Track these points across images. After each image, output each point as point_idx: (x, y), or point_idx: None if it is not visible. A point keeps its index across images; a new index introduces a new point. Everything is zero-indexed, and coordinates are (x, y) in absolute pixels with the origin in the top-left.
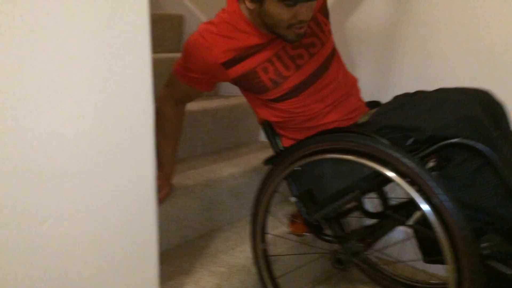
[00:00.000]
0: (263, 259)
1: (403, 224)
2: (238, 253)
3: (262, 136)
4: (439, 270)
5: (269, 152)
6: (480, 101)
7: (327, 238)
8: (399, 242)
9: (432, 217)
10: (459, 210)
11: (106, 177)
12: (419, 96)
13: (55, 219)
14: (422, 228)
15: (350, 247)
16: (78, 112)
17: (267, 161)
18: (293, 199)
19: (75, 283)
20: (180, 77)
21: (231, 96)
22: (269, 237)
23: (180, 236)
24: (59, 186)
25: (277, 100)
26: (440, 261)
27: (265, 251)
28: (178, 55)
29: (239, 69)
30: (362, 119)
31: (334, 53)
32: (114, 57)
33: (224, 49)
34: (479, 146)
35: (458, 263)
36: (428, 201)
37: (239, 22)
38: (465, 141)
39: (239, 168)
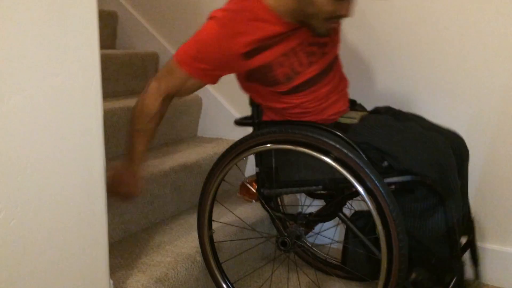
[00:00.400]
0: (209, 246)
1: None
2: (182, 243)
3: (200, 132)
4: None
5: (208, 147)
6: (454, 147)
7: (273, 213)
8: (332, 227)
9: (366, 197)
10: (391, 194)
11: (57, 171)
12: (404, 122)
13: (8, 211)
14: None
15: (294, 231)
16: (28, 106)
17: (239, 123)
18: (257, 169)
19: (28, 275)
20: (186, 67)
21: None
22: (215, 224)
23: (123, 229)
24: (12, 179)
25: (283, 93)
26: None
27: (211, 238)
28: (112, 51)
29: (258, 60)
30: (349, 120)
31: (337, 56)
32: (64, 52)
33: (248, 39)
34: (441, 190)
35: (389, 245)
36: (363, 184)
37: (260, 10)
38: (432, 183)
39: (180, 162)
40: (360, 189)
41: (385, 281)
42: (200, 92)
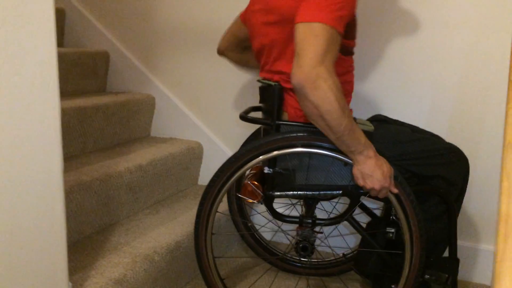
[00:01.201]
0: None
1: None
2: (139, 244)
3: (153, 132)
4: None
5: (162, 147)
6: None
7: (282, 217)
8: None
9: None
10: (417, 203)
11: (15, 171)
12: (428, 136)
13: None
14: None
15: (307, 235)
16: None
17: (247, 119)
18: (266, 169)
19: None
20: (341, 26)
21: (120, 93)
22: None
23: (78, 232)
24: None
25: (349, 52)
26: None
27: (213, 254)
28: (61, 50)
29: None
30: (367, 127)
31: None
32: (22, 51)
33: None
34: (450, 199)
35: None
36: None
37: None
38: (444, 192)
39: (135, 163)
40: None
41: (407, 275)
42: (152, 91)
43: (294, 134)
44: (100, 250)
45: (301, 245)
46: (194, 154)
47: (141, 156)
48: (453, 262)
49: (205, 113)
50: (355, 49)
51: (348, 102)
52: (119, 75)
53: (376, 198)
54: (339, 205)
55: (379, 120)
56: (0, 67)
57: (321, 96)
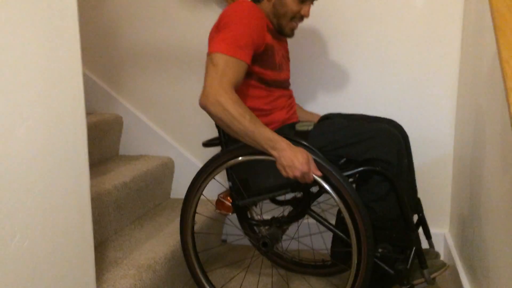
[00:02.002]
0: (194, 256)
1: (318, 220)
2: (137, 256)
3: (121, 150)
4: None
5: (138, 164)
6: (404, 136)
7: (249, 221)
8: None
9: (333, 194)
10: (351, 186)
11: (57, 192)
12: (356, 121)
13: (22, 234)
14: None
15: (273, 233)
16: (32, 134)
17: (208, 144)
18: (228, 183)
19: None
20: (241, 54)
21: (89, 114)
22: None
23: None
24: (22, 204)
25: (270, 83)
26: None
27: (193, 228)
28: None
29: (269, 38)
30: (306, 127)
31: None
32: (57, 84)
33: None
34: (391, 177)
35: (357, 232)
36: (329, 182)
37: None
38: (382, 171)
39: (120, 181)
40: (326, 186)
41: (357, 256)
42: (119, 111)
43: (233, 148)
44: (102, 265)
45: (261, 242)
46: (167, 169)
47: (122, 174)
48: (411, 233)
49: (173, 129)
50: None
51: (279, 122)
52: (86, 96)
53: (307, 186)
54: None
55: (323, 119)
56: (42, 100)
57: (220, 110)
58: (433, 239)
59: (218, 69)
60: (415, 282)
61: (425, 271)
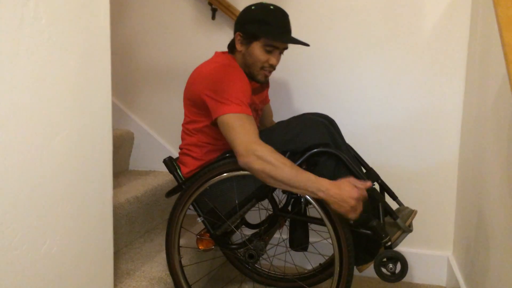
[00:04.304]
0: (180, 270)
1: (287, 216)
2: (149, 268)
3: (131, 166)
4: (304, 264)
5: (148, 179)
6: (330, 122)
7: (232, 246)
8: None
9: (316, 206)
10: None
11: (83, 201)
12: (286, 121)
13: (50, 241)
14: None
15: (256, 245)
16: (65, 147)
17: (170, 193)
18: (199, 219)
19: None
20: (248, 111)
21: None
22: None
23: None
24: (52, 211)
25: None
26: (304, 248)
27: (180, 262)
28: None
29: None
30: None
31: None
32: (90, 104)
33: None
34: (333, 151)
35: (335, 231)
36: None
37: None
38: (323, 149)
39: (132, 194)
40: (310, 199)
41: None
42: (131, 127)
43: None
44: (115, 276)
45: (247, 254)
46: None
47: (135, 188)
48: (370, 192)
49: None
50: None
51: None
52: None
53: (270, 191)
54: None
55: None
56: (73, 125)
57: (262, 164)
58: (436, 262)
59: (238, 128)
60: (395, 236)
61: (399, 221)
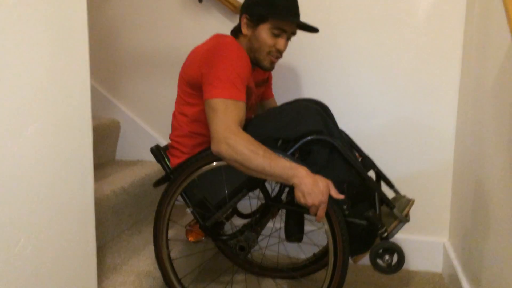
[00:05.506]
0: (169, 264)
1: (280, 207)
2: (136, 262)
3: (117, 155)
4: (297, 254)
5: (135, 169)
6: (323, 108)
7: (223, 238)
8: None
9: None
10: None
11: (62, 197)
12: (278, 108)
13: (25, 241)
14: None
15: (247, 236)
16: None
17: (158, 183)
18: (189, 210)
19: None
20: (239, 95)
21: None
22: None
23: None
24: (27, 208)
25: None
26: (299, 239)
27: (169, 256)
28: None
29: (251, 82)
30: None
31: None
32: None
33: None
34: (327, 138)
35: (329, 221)
36: None
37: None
38: (317, 136)
39: (118, 186)
40: None
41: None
42: (117, 116)
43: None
44: (101, 271)
45: (238, 246)
46: None
47: (120, 179)
48: (367, 182)
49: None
50: None
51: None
52: None
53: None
54: None
55: None
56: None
57: (232, 153)
58: (432, 248)
59: (219, 113)
60: (392, 226)
61: (395, 211)
